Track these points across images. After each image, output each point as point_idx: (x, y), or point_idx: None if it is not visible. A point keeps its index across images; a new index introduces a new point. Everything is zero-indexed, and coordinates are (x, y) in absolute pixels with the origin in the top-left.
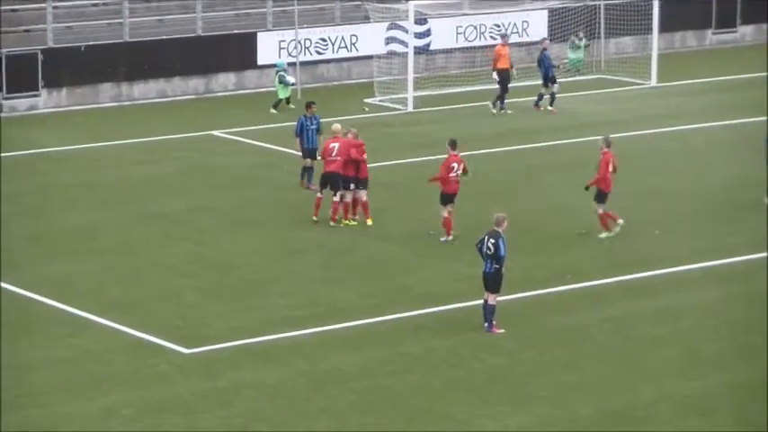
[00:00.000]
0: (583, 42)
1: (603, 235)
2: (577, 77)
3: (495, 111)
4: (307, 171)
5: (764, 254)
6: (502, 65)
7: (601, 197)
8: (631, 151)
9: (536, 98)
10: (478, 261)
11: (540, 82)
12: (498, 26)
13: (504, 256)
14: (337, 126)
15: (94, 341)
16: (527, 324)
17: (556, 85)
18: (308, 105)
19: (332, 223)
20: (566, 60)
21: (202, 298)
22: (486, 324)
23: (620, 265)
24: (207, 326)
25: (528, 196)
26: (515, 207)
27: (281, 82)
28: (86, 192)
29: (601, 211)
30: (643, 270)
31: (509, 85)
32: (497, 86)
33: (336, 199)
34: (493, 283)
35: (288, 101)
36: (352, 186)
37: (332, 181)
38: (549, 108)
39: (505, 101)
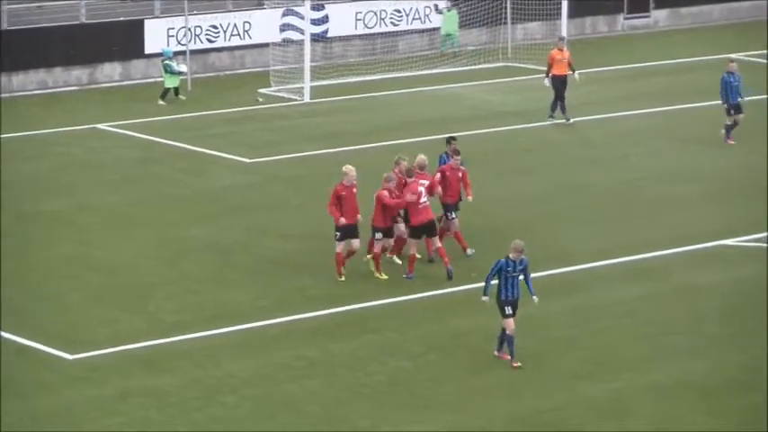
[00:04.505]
0: (445, 8)
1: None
2: (483, 65)
3: (565, 121)
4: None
5: (683, 248)
6: (557, 71)
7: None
8: (545, 142)
9: (724, 131)
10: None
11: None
12: (399, 12)
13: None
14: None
15: None
16: (431, 325)
17: (741, 115)
18: (449, 141)
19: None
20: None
21: (87, 301)
22: (508, 358)
23: (532, 263)
24: (92, 331)
25: None
26: None
27: (167, 71)
28: None
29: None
30: (556, 267)
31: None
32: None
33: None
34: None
35: (176, 92)
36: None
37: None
38: (727, 139)
39: (555, 110)
